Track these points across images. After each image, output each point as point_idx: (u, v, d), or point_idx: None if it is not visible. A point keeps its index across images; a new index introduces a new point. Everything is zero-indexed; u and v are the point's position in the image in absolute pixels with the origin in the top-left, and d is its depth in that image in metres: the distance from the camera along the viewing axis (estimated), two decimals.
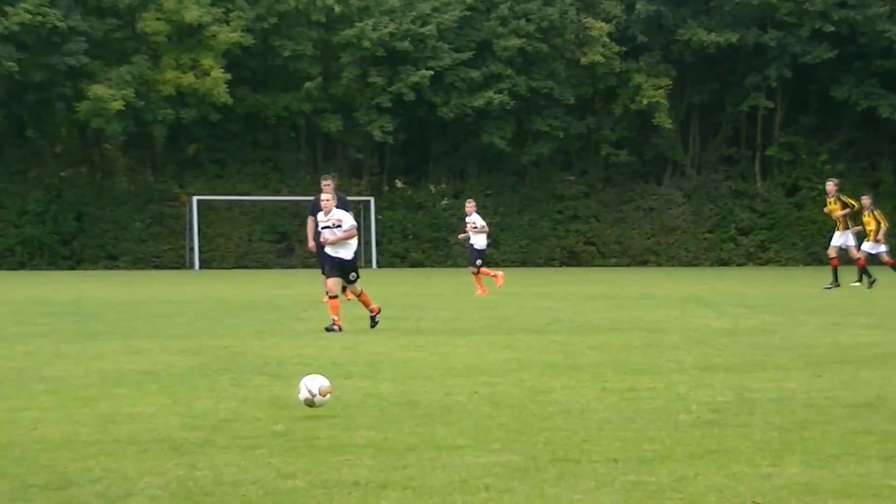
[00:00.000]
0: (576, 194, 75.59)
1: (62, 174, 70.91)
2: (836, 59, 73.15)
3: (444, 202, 74.30)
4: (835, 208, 34.85)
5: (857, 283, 36.29)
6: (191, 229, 65.48)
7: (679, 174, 77.68)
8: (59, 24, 65.12)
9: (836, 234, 38.84)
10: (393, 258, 72.32)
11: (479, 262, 34.82)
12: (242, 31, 67.60)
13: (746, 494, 9.30)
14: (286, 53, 68.93)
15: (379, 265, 70.77)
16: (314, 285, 35.28)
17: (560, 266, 71.32)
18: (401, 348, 22.54)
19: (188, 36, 67.57)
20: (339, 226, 24.41)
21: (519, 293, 41.12)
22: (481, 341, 23.72)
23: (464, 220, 36.75)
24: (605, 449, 11.67)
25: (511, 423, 13.41)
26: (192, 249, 64.99)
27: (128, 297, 39.22)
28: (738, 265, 72.68)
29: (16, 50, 65.77)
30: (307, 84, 69.26)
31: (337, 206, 25.32)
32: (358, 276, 25.37)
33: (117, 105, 64.78)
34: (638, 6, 72.60)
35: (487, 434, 12.75)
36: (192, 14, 65.62)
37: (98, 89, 65.16)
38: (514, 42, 70.98)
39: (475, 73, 70.65)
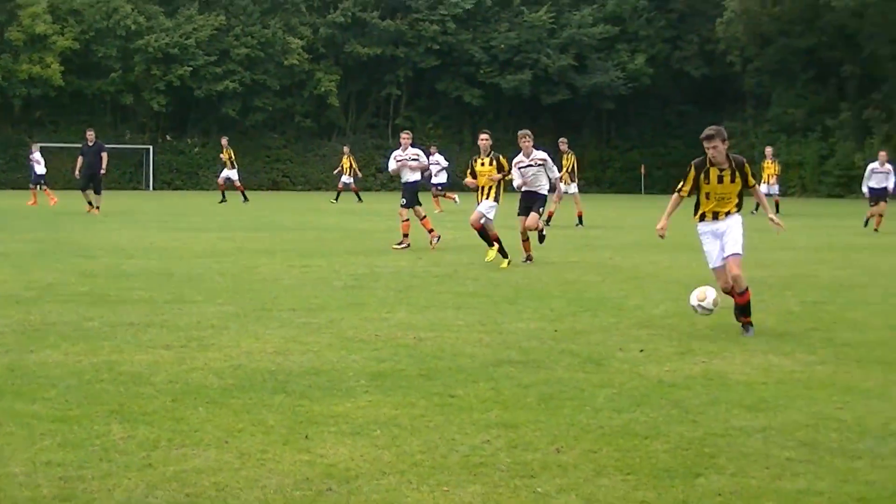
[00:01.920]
0: (278, 146, 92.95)
1: None
2: (440, 66, 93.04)
3: (195, 150, 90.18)
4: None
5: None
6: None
7: (342, 134, 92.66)
8: None
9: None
10: (163, 184, 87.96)
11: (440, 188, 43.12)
12: (72, 39, 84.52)
13: (371, 330, 13.77)
14: (100, 54, 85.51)
15: (154, 188, 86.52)
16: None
17: (267, 191, 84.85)
18: (165, 240, 28.79)
19: (38, 42, 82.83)
20: (415, 159, 28.97)
21: (244, 207, 53.65)
22: (214, 236, 29.94)
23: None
24: (288, 303, 16.64)
25: (230, 286, 18.64)
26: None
27: None
28: (377, 191, 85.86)
29: None
30: (112, 74, 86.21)
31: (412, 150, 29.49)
32: (413, 203, 28.86)
33: None
34: (321, 30, 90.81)
35: (215, 294, 17.65)
36: (40, 28, 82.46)
37: None
38: (244, 51, 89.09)
39: (218, 69, 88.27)
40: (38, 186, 54.25)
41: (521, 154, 24.55)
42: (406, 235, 28.68)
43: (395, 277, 20.46)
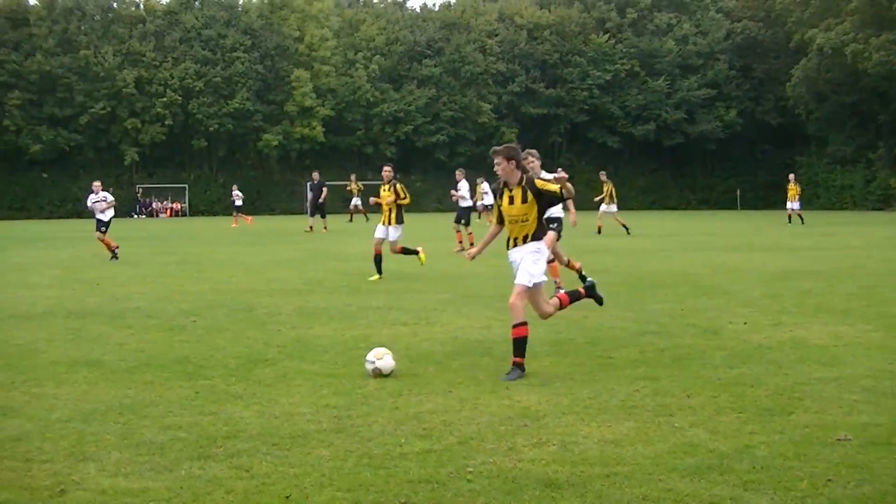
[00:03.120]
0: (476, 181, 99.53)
1: None
2: (589, 120, 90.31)
3: (417, 184, 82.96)
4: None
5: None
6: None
7: None
8: None
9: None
10: None
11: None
12: (330, 108, 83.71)
13: None
14: (349, 119, 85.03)
15: None
16: None
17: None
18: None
19: (306, 112, 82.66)
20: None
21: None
22: (429, 246, 31.31)
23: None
24: (487, 292, 13.32)
25: (445, 280, 17.65)
26: None
27: None
28: None
29: None
30: (357, 132, 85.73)
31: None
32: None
33: None
34: (503, 97, 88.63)
35: (435, 285, 20.42)
36: (308, 102, 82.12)
37: None
38: (449, 113, 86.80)
39: (431, 127, 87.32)
40: (237, 213, 56.16)
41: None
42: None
43: (563, 272, 20.45)
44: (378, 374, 9.61)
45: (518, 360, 9.80)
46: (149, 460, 6.76)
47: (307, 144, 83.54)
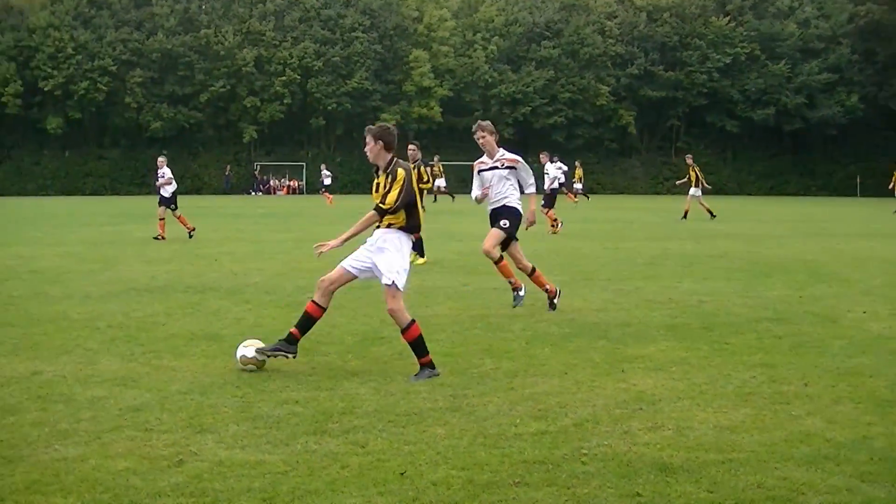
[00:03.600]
0: (592, 161, 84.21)
1: None
2: (708, 104, 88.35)
3: (534, 165, 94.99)
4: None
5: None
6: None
7: (637, 154, 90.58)
8: None
9: None
10: None
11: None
12: (448, 89, 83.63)
13: (666, 295, 20.40)
14: (466, 99, 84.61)
15: None
16: None
17: (584, 195, 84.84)
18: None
19: (424, 92, 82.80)
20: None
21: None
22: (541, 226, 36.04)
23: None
24: (605, 274, 20.47)
25: (562, 262, 21.89)
26: None
27: None
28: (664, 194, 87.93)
29: None
30: (475, 113, 79.32)
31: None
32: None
33: None
34: (622, 80, 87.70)
35: (552, 268, 19.61)
36: (426, 82, 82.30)
37: None
38: (567, 95, 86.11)
39: (549, 108, 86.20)
40: (324, 191, 57.48)
41: (484, 156, 13.31)
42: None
43: (681, 257, 20.35)
44: (247, 362, 8.95)
45: (423, 360, 8.90)
46: (265, 433, 6.87)
47: (425, 124, 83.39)
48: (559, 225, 29.17)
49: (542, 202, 29.66)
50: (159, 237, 26.16)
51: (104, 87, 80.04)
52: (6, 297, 14.04)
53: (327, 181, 57.23)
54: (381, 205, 9.01)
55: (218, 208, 46.98)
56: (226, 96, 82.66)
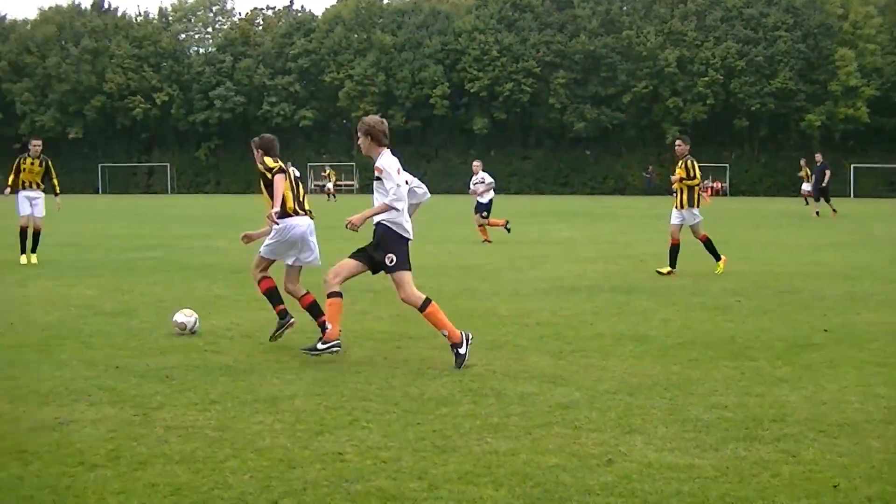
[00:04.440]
0: None
1: None
2: None
3: None
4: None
5: None
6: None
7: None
8: None
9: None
10: None
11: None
12: (875, 88, 79.19)
13: None
14: None
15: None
16: None
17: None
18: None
19: (850, 92, 79.11)
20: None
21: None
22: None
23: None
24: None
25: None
26: None
27: None
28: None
29: None
30: None
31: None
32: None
33: None
34: None
35: None
36: (852, 81, 78.78)
37: None
38: None
39: None
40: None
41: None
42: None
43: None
44: (183, 328, 10.32)
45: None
46: (694, 437, 6.75)
47: (850, 125, 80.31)
48: None
49: None
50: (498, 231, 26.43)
51: (528, 89, 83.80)
52: (436, 291, 14.46)
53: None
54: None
55: (641, 209, 47.08)
56: (648, 97, 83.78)
